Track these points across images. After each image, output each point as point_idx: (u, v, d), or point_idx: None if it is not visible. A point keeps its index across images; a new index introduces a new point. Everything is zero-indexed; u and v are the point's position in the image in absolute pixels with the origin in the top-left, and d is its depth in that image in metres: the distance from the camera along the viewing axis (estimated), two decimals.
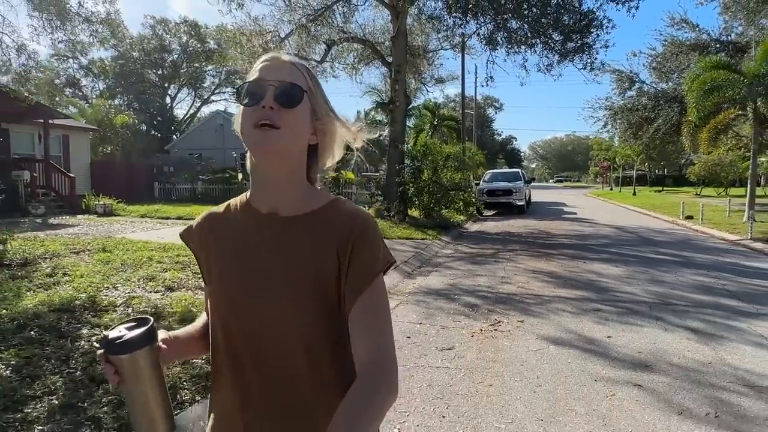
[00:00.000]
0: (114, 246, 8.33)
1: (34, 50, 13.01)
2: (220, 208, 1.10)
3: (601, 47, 13.45)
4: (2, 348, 3.76)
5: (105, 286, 5.73)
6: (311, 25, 13.74)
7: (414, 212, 15.50)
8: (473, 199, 17.31)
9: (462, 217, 16.26)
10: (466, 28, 14.48)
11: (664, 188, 43.38)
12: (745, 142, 20.55)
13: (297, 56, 1.04)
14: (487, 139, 62.85)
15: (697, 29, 22.34)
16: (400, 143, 15.41)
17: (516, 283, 7.07)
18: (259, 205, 1.01)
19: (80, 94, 37.44)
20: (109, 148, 24.84)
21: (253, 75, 0.97)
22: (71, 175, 16.44)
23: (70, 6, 10.09)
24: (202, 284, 1.11)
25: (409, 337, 4.68)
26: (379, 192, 16.79)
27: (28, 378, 3.36)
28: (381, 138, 40.13)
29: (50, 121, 15.85)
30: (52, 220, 13.24)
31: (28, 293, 5.22)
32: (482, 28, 13.88)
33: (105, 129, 23.25)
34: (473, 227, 15.38)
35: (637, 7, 12.69)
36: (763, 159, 31.00)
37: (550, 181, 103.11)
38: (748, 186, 15.45)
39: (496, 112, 69.90)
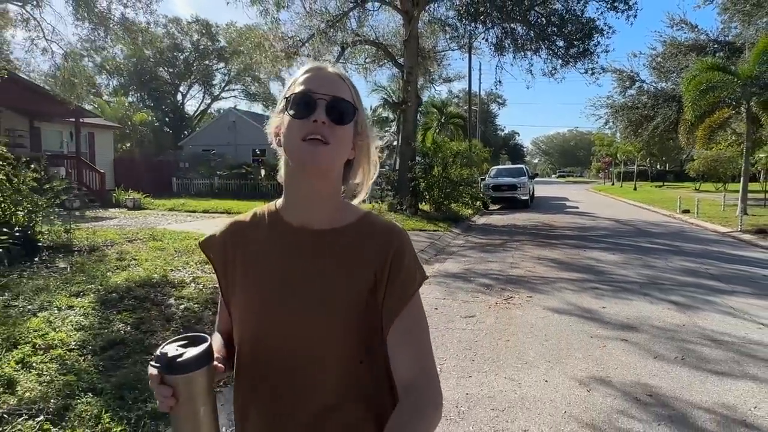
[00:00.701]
0: (161, 236, 9.27)
1: (79, 55, 13.83)
2: (245, 217, 1.07)
3: (601, 52, 14.37)
4: (116, 312, 4.71)
5: (169, 268, 6.66)
6: (329, 30, 14.61)
7: (425, 206, 16.42)
8: (480, 194, 18.22)
9: (470, 211, 17.19)
10: (475, 33, 15.37)
11: (665, 184, 44.16)
12: (744, 139, 21.33)
13: (341, 68, 1.05)
14: (490, 134, 63.60)
15: (695, 30, 23.22)
16: (412, 141, 16.32)
17: (523, 267, 8.00)
18: (290, 218, 0.99)
19: (93, 91, 38.32)
20: (128, 145, 25.79)
21: (299, 85, 0.96)
22: (101, 171, 17.40)
23: (112, 16, 10.97)
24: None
25: (436, 309, 5.61)
26: (389, 187, 17.68)
27: (146, 332, 4.31)
28: (387, 135, 41.08)
29: (82, 120, 16.77)
30: (88, 213, 14.19)
31: (108, 273, 6.15)
32: (490, 33, 14.79)
33: (125, 126, 24.21)
34: (480, 220, 16.30)
35: (635, 15, 13.64)
36: (762, 155, 31.81)
37: (553, 176, 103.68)
38: (741, 182, 16.32)
39: (499, 108, 70.68)
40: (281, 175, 1.01)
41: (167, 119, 38.12)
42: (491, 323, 5.05)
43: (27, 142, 16.90)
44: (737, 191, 23.21)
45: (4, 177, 7.14)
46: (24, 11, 10.81)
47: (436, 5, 15.95)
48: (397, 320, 0.93)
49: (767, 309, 5.43)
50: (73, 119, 16.86)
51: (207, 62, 38.46)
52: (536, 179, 30.48)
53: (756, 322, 4.96)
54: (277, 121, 0.99)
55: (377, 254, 0.95)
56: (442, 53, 20.96)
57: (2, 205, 6.97)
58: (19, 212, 7.13)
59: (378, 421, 0.93)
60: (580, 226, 14.16)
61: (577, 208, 21.01)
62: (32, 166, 7.69)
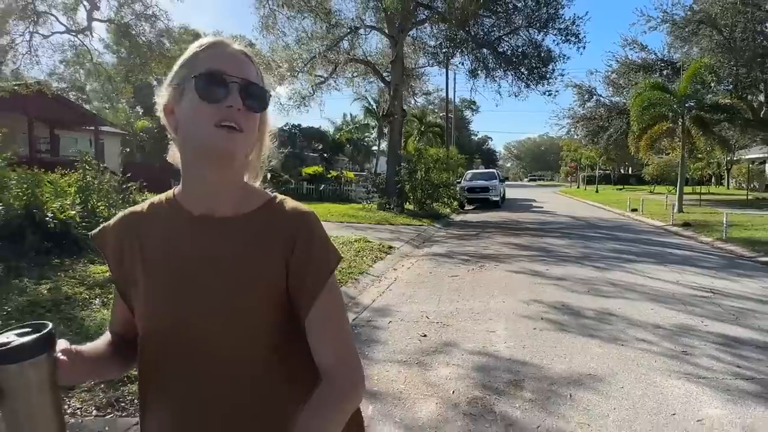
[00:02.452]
0: None
1: (112, 71, 15.68)
2: (141, 207, 0.99)
3: (558, 76, 17.04)
4: None
5: None
6: (327, 52, 16.86)
7: (409, 206, 18.76)
8: (457, 195, 20.68)
9: (448, 210, 19.60)
10: (452, 55, 17.87)
11: (625, 186, 47.59)
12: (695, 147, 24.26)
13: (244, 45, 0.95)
14: (464, 140, 66.49)
15: (645, 50, 26.19)
16: (398, 149, 18.66)
17: (493, 249, 10.38)
18: (191, 206, 0.92)
19: (84, 97, 39.62)
20: (127, 150, 27.46)
21: (206, 62, 0.88)
22: (118, 175, 19.24)
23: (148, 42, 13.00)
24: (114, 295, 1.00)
25: (431, 273, 7.90)
26: (375, 189, 19.95)
27: None
28: (367, 140, 43.10)
29: (100, 128, 18.62)
30: (114, 212, 16.06)
31: None
32: (466, 59, 17.35)
33: (128, 133, 25.95)
34: (458, 218, 18.72)
35: (584, 47, 16.35)
36: (712, 159, 35.26)
37: (525, 180, 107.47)
38: (678, 185, 19.17)
39: (473, 114, 73.87)
40: (174, 158, 0.95)
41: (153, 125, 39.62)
42: (470, 278, 7.38)
43: (48, 148, 18.66)
44: (686, 193, 26.38)
45: (92, 179, 9.25)
46: (76, 39, 12.77)
47: (417, 31, 18.34)
48: (315, 305, 0.88)
49: (657, 270, 7.91)
50: (92, 127, 18.69)
51: (168, 62, 40.07)
52: (507, 183, 33.22)
53: (645, 275, 7.42)
54: (169, 97, 0.91)
55: (286, 239, 0.90)
56: (423, 68, 23.41)
57: (91, 200, 9.04)
58: (101, 206, 9.22)
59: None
60: (542, 221, 16.71)
61: (542, 208, 23.67)
62: (108, 171, 9.76)
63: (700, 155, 20.83)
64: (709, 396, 3.39)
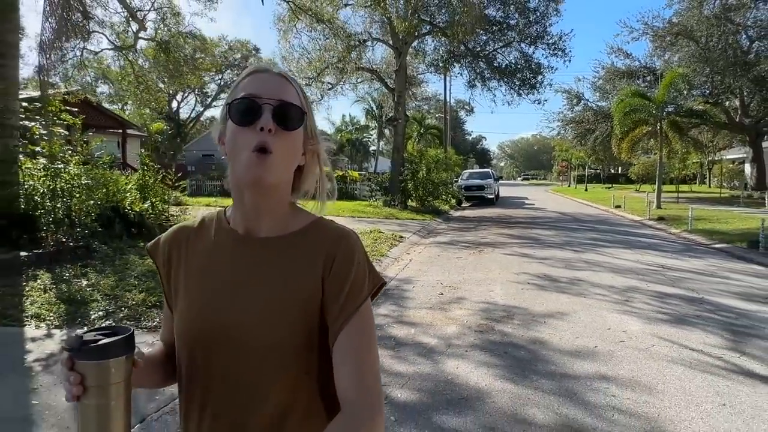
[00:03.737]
0: None
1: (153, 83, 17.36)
2: (193, 222, 1.03)
3: (546, 85, 18.89)
4: None
5: None
6: (338, 63, 18.58)
7: (412, 203, 20.47)
8: (455, 193, 22.44)
9: (447, 207, 21.34)
10: (451, 66, 19.68)
11: (614, 185, 49.56)
12: (672, 149, 26.12)
13: (288, 71, 0.99)
14: (459, 139, 68.43)
15: (629, 57, 28.06)
16: (402, 150, 20.39)
17: (489, 238, 12.12)
18: (237, 225, 0.96)
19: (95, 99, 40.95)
20: (142, 151, 29.05)
21: (243, 89, 0.90)
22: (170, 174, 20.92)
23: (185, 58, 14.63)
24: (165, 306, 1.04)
25: (438, 255, 9.62)
26: (378, 188, 21.64)
27: None
28: (366, 141, 44.83)
29: (127, 131, 20.22)
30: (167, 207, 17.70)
31: None
32: (464, 70, 19.18)
33: (147, 135, 27.54)
34: (456, 213, 20.46)
35: (570, 60, 18.24)
36: (695, 159, 37.27)
37: (518, 179, 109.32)
38: (656, 184, 21.00)
39: (467, 115, 75.84)
40: (229, 182, 0.95)
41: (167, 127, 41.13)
42: (471, 259, 9.11)
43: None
44: (668, 192, 28.34)
45: (150, 178, 10.92)
46: (120, 54, 14.39)
47: (418, 43, 20.11)
48: (342, 333, 0.87)
49: (624, 252, 9.68)
50: (120, 131, 20.27)
51: (201, 73, 41.70)
52: (501, 182, 35.03)
53: (613, 257, 9.19)
54: (221, 129, 0.94)
55: (326, 259, 0.90)
56: (423, 74, 25.17)
57: (149, 197, 10.71)
58: (157, 201, 10.89)
59: None
60: (532, 216, 18.50)
61: (534, 205, 25.48)
62: (161, 171, 11.41)
63: (679, 156, 22.61)
64: (635, 321, 5.14)
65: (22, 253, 6.60)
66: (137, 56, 14.48)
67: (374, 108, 34.84)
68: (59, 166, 7.67)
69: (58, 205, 7.50)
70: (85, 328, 0.90)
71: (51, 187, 7.47)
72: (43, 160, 7.63)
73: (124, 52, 14.56)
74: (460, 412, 3.21)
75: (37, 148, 7.71)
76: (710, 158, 37.24)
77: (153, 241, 1.03)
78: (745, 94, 24.93)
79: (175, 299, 0.97)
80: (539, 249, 10.22)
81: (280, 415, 0.89)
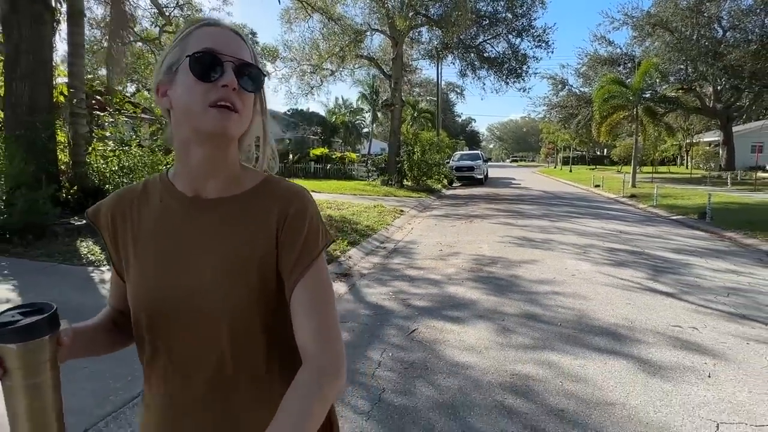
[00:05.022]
0: None
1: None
2: (136, 186, 1.00)
3: (532, 74, 20.53)
4: None
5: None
6: (340, 51, 20.06)
7: (407, 182, 22.14)
8: (447, 173, 24.12)
9: (440, 186, 23.04)
10: (445, 58, 21.24)
11: (598, 167, 51.55)
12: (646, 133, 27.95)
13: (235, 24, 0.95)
14: (449, 122, 69.87)
15: (612, 45, 29.69)
16: (398, 133, 21.97)
17: (478, 212, 13.85)
18: (184, 187, 0.94)
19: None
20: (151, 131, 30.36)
21: (199, 42, 0.87)
22: None
23: None
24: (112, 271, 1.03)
25: (435, 225, 11.32)
26: (374, 168, 23.24)
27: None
28: (359, 123, 46.20)
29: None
30: None
31: None
32: (456, 60, 20.75)
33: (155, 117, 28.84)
34: (448, 192, 22.18)
35: (552, 51, 19.87)
36: (674, 142, 39.27)
37: (507, 161, 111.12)
38: (632, 165, 22.83)
39: (457, 97, 77.24)
40: (168, 140, 0.93)
41: None
42: (464, 227, 10.84)
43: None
44: (647, 172, 30.34)
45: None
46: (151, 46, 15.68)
47: (414, 33, 21.60)
48: (298, 286, 0.88)
49: (592, 222, 11.47)
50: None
51: None
52: (490, 163, 36.74)
53: (582, 225, 10.97)
54: (162, 79, 0.90)
55: (278, 216, 0.91)
56: (417, 60, 26.63)
57: None
58: None
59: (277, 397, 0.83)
60: (518, 194, 20.29)
61: (520, 184, 27.26)
62: None
63: (651, 140, 24.44)
64: (586, 264, 6.91)
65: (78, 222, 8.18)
66: (162, 47, 15.78)
67: (368, 93, 36.24)
68: (125, 148, 9.21)
69: (124, 180, 9.06)
70: (8, 309, 0.84)
71: (120, 164, 9.02)
72: (111, 144, 9.16)
73: (148, 44, 15.88)
74: (459, 310, 4.95)
75: (107, 134, 9.23)
76: (688, 141, 39.21)
77: (94, 206, 0.99)
78: (716, 81, 26.73)
79: (127, 267, 0.95)
80: (521, 219, 11.98)
81: (243, 374, 0.91)
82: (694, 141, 39.85)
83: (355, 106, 45.82)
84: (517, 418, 2.91)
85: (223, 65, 0.86)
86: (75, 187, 8.65)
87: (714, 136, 37.57)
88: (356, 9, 20.28)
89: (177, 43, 0.90)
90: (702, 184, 23.69)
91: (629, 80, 23.50)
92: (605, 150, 62.86)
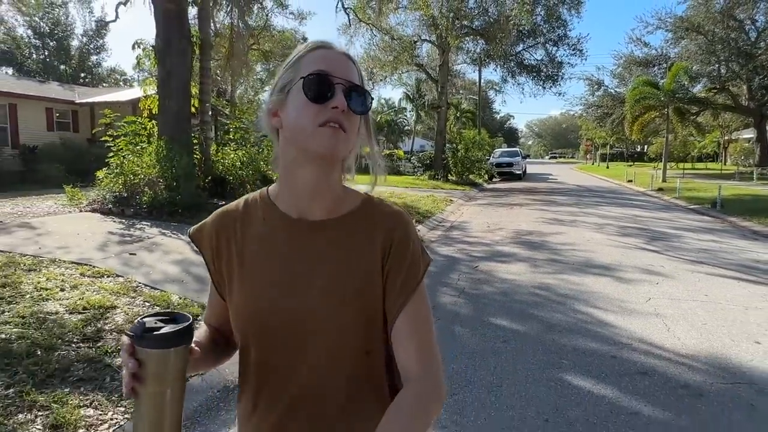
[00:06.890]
0: None
1: None
2: (237, 206, 1.01)
3: (567, 78, 22.41)
4: None
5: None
6: (395, 60, 22.61)
7: (452, 176, 24.47)
8: (488, 169, 26.34)
9: (481, 180, 25.27)
10: (487, 65, 23.54)
11: (635, 163, 52.37)
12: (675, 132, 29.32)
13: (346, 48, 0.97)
14: (488, 119, 71.43)
15: (647, 46, 31.13)
16: (444, 133, 24.33)
17: (517, 202, 16.11)
18: (288, 208, 0.95)
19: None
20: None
21: (311, 64, 0.89)
22: None
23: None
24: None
25: (481, 211, 13.67)
26: (420, 164, 25.62)
27: None
28: (401, 122, 48.87)
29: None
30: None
31: None
32: (497, 68, 23.03)
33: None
34: (489, 186, 24.40)
35: (586, 58, 21.83)
36: (714, 139, 40.14)
37: (546, 157, 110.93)
38: (663, 161, 24.47)
39: (495, 94, 78.55)
40: (274, 161, 0.96)
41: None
42: (505, 213, 13.16)
43: None
44: (683, 168, 31.61)
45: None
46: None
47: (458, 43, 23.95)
48: (403, 311, 0.90)
49: (615, 209, 13.59)
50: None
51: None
52: (528, 160, 38.61)
53: (606, 211, 13.12)
54: (274, 102, 0.93)
55: (382, 242, 0.93)
56: (461, 65, 28.89)
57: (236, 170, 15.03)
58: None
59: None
60: (553, 188, 22.36)
61: (556, 180, 29.18)
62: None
63: (681, 139, 25.95)
64: (601, 235, 9.19)
65: (221, 202, 10.92)
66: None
67: (412, 93, 38.72)
68: (243, 147, 11.97)
69: (241, 172, 11.79)
70: (148, 315, 0.83)
71: (242, 160, 11.75)
72: (233, 145, 11.93)
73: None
74: (505, 257, 7.37)
75: (229, 136, 12.00)
76: (726, 138, 39.95)
77: (196, 226, 1.01)
78: (750, 81, 27.90)
79: (230, 286, 0.96)
80: (554, 207, 14.20)
81: (350, 398, 0.92)
82: (733, 138, 40.52)
83: (397, 106, 48.28)
84: (541, 298, 5.32)
85: (334, 87, 0.87)
86: (208, 178, 11.44)
87: (752, 133, 38.26)
88: (408, 21, 22.79)
89: (291, 65, 0.92)
90: (731, 179, 25.07)
91: (662, 81, 25.08)
92: (644, 147, 63.28)
